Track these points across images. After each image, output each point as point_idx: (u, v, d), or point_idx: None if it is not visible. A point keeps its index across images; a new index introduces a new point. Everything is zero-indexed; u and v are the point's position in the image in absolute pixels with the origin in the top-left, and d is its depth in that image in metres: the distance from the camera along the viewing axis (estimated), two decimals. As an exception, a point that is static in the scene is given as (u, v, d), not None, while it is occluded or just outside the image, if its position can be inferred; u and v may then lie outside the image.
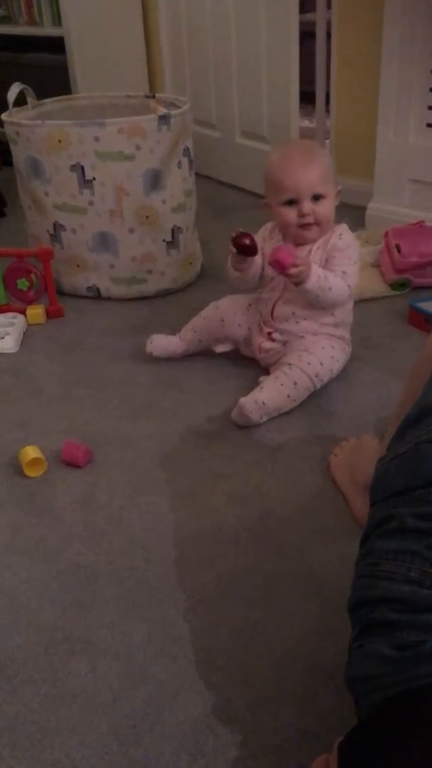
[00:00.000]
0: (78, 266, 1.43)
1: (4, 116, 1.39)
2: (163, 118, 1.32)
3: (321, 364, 1.05)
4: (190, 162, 1.42)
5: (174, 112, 1.34)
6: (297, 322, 1.09)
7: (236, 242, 1.03)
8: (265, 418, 1.02)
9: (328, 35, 1.80)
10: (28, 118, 1.42)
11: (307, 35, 1.82)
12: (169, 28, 2.12)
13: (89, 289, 1.45)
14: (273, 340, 1.11)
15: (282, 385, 1.03)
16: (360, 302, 1.34)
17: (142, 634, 0.72)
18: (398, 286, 1.39)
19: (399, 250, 1.37)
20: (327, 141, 1.94)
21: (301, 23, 1.72)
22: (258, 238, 1.10)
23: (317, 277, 1.00)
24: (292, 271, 0.99)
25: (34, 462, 0.96)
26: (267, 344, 1.11)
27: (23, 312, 1.38)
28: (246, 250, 1.03)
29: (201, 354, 1.22)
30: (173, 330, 1.22)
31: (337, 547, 0.81)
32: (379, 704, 0.49)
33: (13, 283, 1.38)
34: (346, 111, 1.81)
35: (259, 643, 0.71)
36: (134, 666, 0.69)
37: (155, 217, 1.37)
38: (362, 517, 0.79)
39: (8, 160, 1.46)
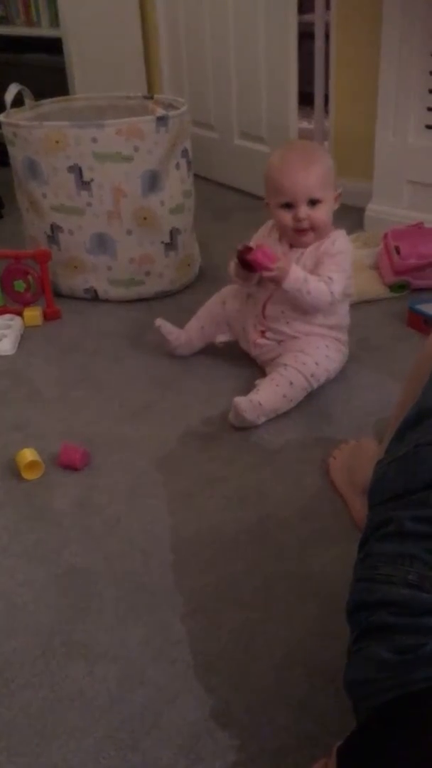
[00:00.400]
0: (75, 268, 1.42)
1: (1, 117, 1.39)
2: (162, 120, 1.32)
3: (316, 363, 1.06)
4: (189, 163, 1.42)
5: (172, 113, 1.34)
6: (287, 322, 1.09)
7: (241, 257, 1.04)
8: (262, 419, 1.02)
9: (327, 36, 1.80)
10: (25, 119, 1.41)
11: (305, 36, 1.82)
12: (168, 29, 2.12)
13: (87, 290, 1.45)
14: (267, 338, 1.11)
15: (278, 385, 1.03)
16: (359, 304, 1.34)
17: (140, 637, 0.72)
18: (397, 288, 1.39)
19: (398, 252, 1.37)
20: (326, 142, 1.94)
21: (300, 24, 1.73)
22: (258, 235, 1.11)
23: (295, 280, 1.01)
24: (266, 274, 1.01)
25: (32, 465, 0.95)
26: (261, 341, 1.12)
27: (20, 314, 1.37)
28: (249, 265, 1.03)
29: (199, 355, 1.21)
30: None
31: (336, 549, 0.81)
32: (379, 708, 0.49)
33: (10, 285, 1.38)
34: (345, 112, 1.81)
35: (258, 646, 0.70)
36: (132, 669, 0.69)
37: (153, 218, 1.37)
38: (361, 519, 0.79)
39: (6, 161, 1.46)
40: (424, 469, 0.54)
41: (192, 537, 0.84)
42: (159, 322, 1.18)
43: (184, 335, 1.19)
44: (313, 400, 1.08)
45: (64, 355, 1.28)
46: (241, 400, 1.00)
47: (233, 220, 1.81)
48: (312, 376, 1.05)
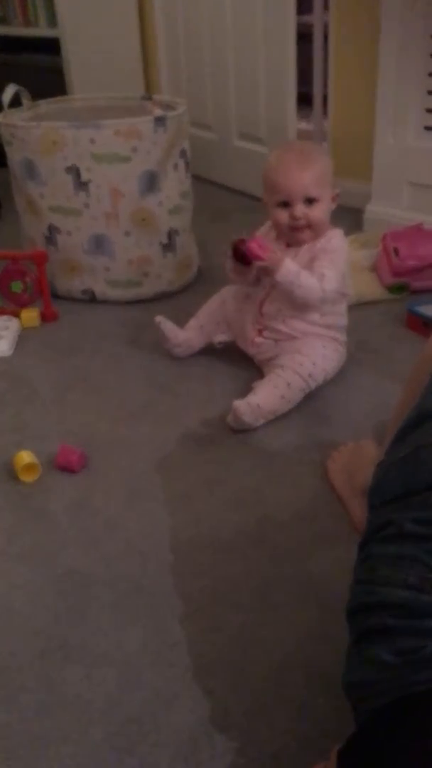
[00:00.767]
0: (73, 269, 1.42)
1: (-1, 118, 1.39)
2: (160, 120, 1.32)
3: (314, 364, 1.06)
4: (187, 164, 1.42)
5: (170, 113, 1.34)
6: (284, 321, 1.09)
7: (236, 249, 1.04)
8: (261, 421, 1.02)
9: (326, 37, 1.80)
10: (23, 120, 1.41)
11: (304, 37, 1.82)
12: (166, 30, 2.12)
13: (84, 292, 1.44)
14: (264, 337, 1.12)
15: (275, 387, 1.03)
16: (358, 306, 1.34)
17: (137, 640, 0.72)
18: (396, 289, 1.39)
19: (397, 254, 1.37)
20: (324, 143, 1.94)
21: (299, 25, 1.73)
22: (261, 233, 1.11)
23: (287, 272, 1.01)
24: (259, 263, 1.02)
25: (29, 467, 0.95)
26: (258, 339, 1.12)
27: (18, 315, 1.37)
28: (243, 258, 1.04)
29: (197, 356, 1.21)
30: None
31: (336, 552, 0.80)
32: (378, 711, 0.48)
33: (8, 286, 1.37)
34: (343, 113, 1.81)
35: (257, 649, 0.70)
36: (130, 673, 0.69)
37: (151, 219, 1.37)
38: (360, 522, 0.79)
39: (3, 161, 1.46)
40: (424, 471, 0.54)
41: (190, 539, 0.84)
42: (159, 319, 1.18)
43: (182, 334, 1.19)
44: (311, 402, 1.08)
45: (62, 356, 1.28)
46: (240, 404, 1.00)
47: (232, 221, 1.81)
48: (309, 376, 1.05)
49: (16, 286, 1.37)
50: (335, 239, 1.07)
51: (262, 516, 0.87)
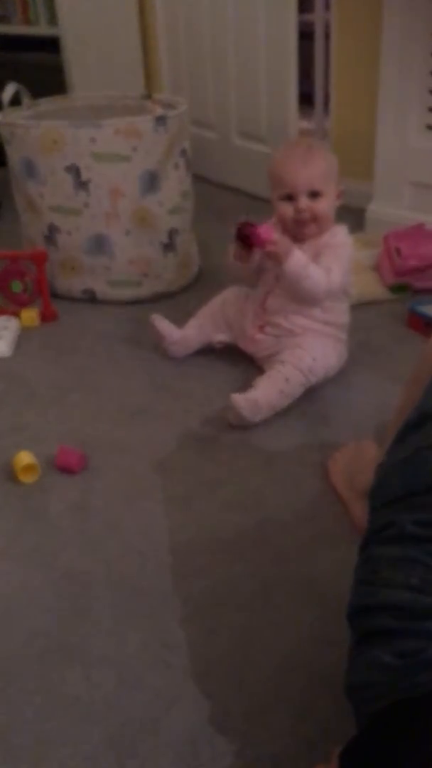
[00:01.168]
0: (73, 269, 1.42)
1: (-1, 117, 1.39)
2: (160, 119, 1.31)
3: (314, 359, 1.05)
4: (187, 163, 1.42)
5: (171, 113, 1.34)
6: (286, 316, 1.09)
7: (240, 232, 1.03)
8: (259, 417, 1.02)
9: (327, 36, 1.80)
10: (23, 119, 1.41)
11: (305, 36, 1.82)
12: (166, 28, 2.11)
13: (84, 291, 1.44)
14: (265, 334, 1.11)
15: (274, 381, 1.03)
16: (359, 305, 1.33)
17: (137, 641, 0.72)
18: (398, 289, 1.39)
19: (399, 254, 1.37)
20: (325, 142, 1.94)
21: (300, 24, 1.72)
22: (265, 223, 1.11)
23: (297, 261, 1.01)
24: (269, 247, 1.01)
25: (28, 468, 0.95)
26: (259, 336, 1.12)
27: (17, 315, 1.37)
28: (246, 240, 1.03)
29: (197, 357, 1.21)
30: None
31: (336, 553, 0.80)
32: (380, 712, 0.48)
33: (7, 286, 1.37)
34: (345, 112, 1.81)
35: (257, 650, 0.70)
36: (129, 674, 0.68)
37: (151, 219, 1.36)
38: (361, 523, 0.78)
39: (3, 160, 1.45)
40: (425, 473, 0.54)
41: (190, 540, 0.84)
42: (154, 317, 1.18)
43: (177, 332, 1.18)
44: (312, 403, 1.08)
45: (61, 356, 1.27)
46: (238, 398, 1.00)
47: (232, 220, 1.81)
48: (309, 371, 1.05)
49: (16, 286, 1.37)
50: (340, 235, 1.07)
51: (263, 517, 0.87)
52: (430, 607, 0.49)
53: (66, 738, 0.63)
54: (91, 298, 1.44)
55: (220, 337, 1.18)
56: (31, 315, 1.36)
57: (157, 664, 0.69)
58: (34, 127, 1.32)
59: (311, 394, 1.09)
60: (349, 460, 0.90)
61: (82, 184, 1.33)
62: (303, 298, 1.06)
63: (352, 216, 1.69)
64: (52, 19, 2.07)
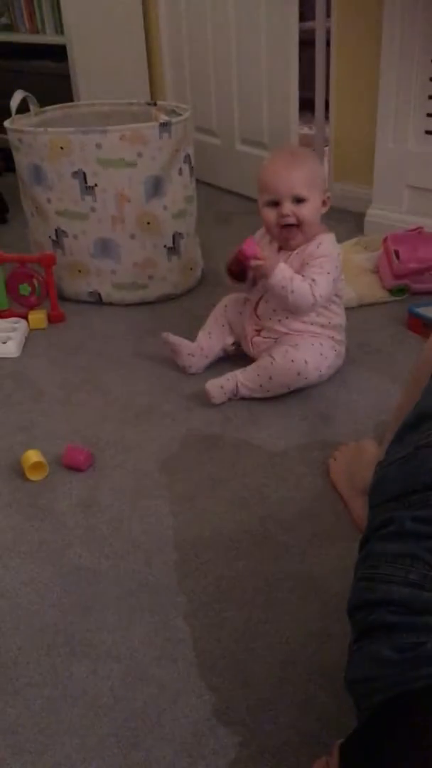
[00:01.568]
0: (80, 272, 1.44)
1: (7, 123, 1.41)
2: (165, 126, 1.34)
3: (306, 362, 1.06)
4: (191, 169, 1.43)
5: (175, 119, 1.36)
6: (279, 320, 1.11)
7: (229, 268, 1.08)
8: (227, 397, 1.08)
9: (328, 43, 1.82)
10: (30, 126, 1.43)
11: (306, 43, 1.83)
12: (170, 37, 2.14)
13: (91, 294, 1.46)
14: (262, 337, 1.14)
15: (258, 375, 1.07)
16: (359, 308, 1.35)
17: (142, 636, 0.73)
18: (397, 291, 1.40)
19: (398, 257, 1.38)
20: (326, 148, 1.95)
21: (301, 31, 1.74)
22: (256, 237, 1.13)
23: (281, 277, 1.03)
24: (253, 263, 1.03)
25: (36, 466, 0.96)
26: (257, 339, 1.14)
27: (25, 317, 1.39)
28: (236, 276, 1.08)
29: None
30: (174, 335, 1.24)
31: (337, 550, 0.81)
32: (380, 706, 0.49)
33: (16, 289, 1.39)
34: (345, 118, 1.82)
35: (260, 645, 0.71)
36: (135, 668, 0.70)
37: (156, 223, 1.38)
38: (361, 520, 0.80)
39: (11, 166, 1.48)
40: (424, 471, 0.55)
41: (194, 538, 0.85)
42: (166, 334, 1.18)
43: (192, 344, 1.18)
44: (313, 403, 1.09)
45: (68, 357, 1.29)
46: (211, 388, 1.07)
47: (235, 224, 1.82)
48: (299, 374, 1.06)
49: (24, 289, 1.39)
50: (324, 244, 1.07)
51: (265, 515, 0.88)
52: (429, 602, 0.50)
53: (72, 730, 0.64)
54: (97, 301, 1.46)
55: (231, 340, 1.19)
56: (39, 317, 1.38)
57: (162, 658, 0.70)
58: (42, 133, 1.34)
59: (312, 394, 1.10)
60: (349, 459, 0.91)
61: (88, 189, 1.35)
62: (290, 310, 1.07)
63: (352, 220, 1.72)
64: (59, 27, 2.09)
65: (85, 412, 1.12)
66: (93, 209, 1.37)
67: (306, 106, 1.91)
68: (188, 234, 1.45)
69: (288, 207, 1.04)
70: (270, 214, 1.06)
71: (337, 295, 1.11)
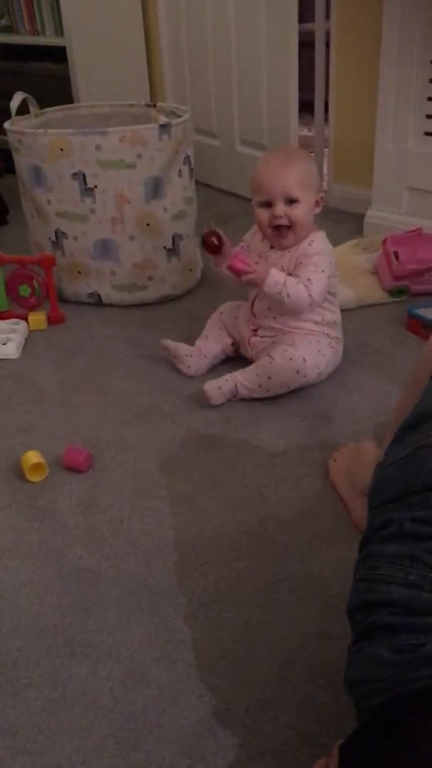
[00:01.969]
0: (79, 273, 1.44)
1: (7, 125, 1.41)
2: (164, 127, 1.34)
3: (304, 360, 1.07)
4: (191, 170, 1.44)
5: (175, 121, 1.36)
6: (274, 318, 1.11)
7: (205, 240, 1.05)
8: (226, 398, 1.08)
9: (327, 44, 1.82)
10: (30, 127, 1.43)
11: (306, 45, 1.84)
12: (170, 38, 2.14)
13: (90, 295, 1.46)
14: (259, 336, 1.14)
15: (257, 375, 1.07)
16: (359, 309, 1.35)
17: (142, 637, 0.73)
18: (397, 292, 1.40)
19: (397, 258, 1.38)
20: (326, 149, 1.96)
21: (301, 33, 1.74)
22: (246, 237, 1.15)
23: (274, 283, 1.04)
24: (244, 277, 1.05)
25: (36, 467, 0.96)
26: (254, 339, 1.15)
27: (25, 318, 1.39)
28: (209, 247, 1.05)
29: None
30: (174, 336, 1.24)
31: (337, 551, 0.81)
32: (379, 707, 0.49)
33: (16, 290, 1.39)
34: (344, 119, 1.83)
35: (260, 646, 0.71)
36: (135, 669, 0.70)
37: (156, 224, 1.39)
38: (361, 521, 0.80)
39: (11, 167, 1.48)
40: (423, 472, 0.55)
41: (194, 538, 0.85)
42: (164, 341, 1.18)
43: (190, 347, 1.18)
44: (313, 403, 1.09)
45: (68, 358, 1.29)
46: (210, 389, 1.07)
47: (234, 225, 1.82)
48: (298, 372, 1.06)
49: (24, 290, 1.39)
50: (316, 242, 1.08)
51: (265, 515, 0.88)
52: (428, 603, 0.50)
53: (72, 731, 0.64)
54: (97, 302, 1.46)
55: (229, 340, 1.20)
56: (38, 318, 1.39)
57: (161, 659, 0.70)
58: (42, 135, 1.35)
59: (311, 394, 1.10)
60: (349, 460, 0.91)
61: (88, 191, 1.35)
62: (287, 311, 1.08)
63: (352, 221, 1.72)
64: (59, 29, 2.10)
65: (85, 413, 1.12)
66: (93, 210, 1.37)
67: (305, 107, 1.91)
68: (188, 235, 1.45)
69: (281, 208, 1.04)
70: (263, 215, 1.06)
71: (330, 293, 1.11)
